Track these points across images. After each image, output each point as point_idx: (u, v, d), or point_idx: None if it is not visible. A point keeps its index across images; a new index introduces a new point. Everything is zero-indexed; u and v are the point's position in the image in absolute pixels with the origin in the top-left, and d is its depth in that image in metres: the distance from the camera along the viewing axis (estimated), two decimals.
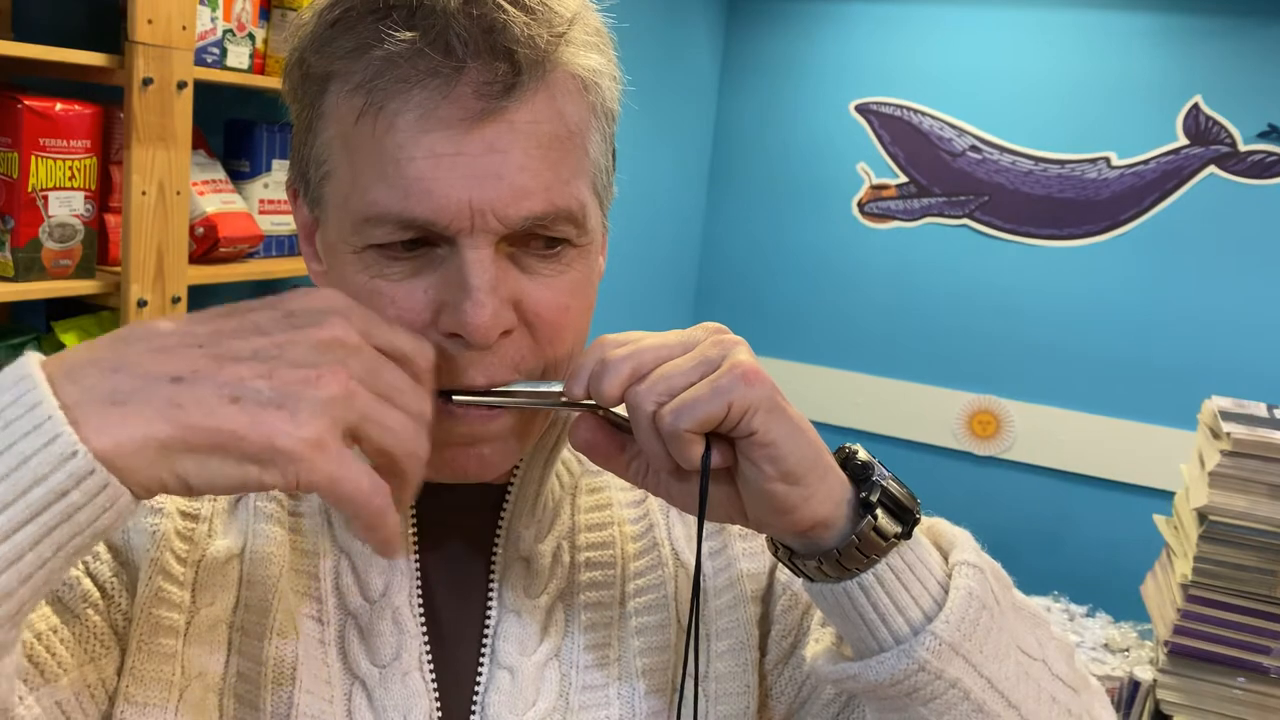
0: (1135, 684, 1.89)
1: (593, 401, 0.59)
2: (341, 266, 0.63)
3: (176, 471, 0.47)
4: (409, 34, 0.57)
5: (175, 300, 1.64)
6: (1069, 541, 3.41)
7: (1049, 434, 3.42)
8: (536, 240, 0.62)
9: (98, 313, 1.66)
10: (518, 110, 0.59)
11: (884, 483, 0.62)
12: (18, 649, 0.50)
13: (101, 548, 0.65)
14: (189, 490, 0.47)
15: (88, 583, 0.64)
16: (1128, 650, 2.05)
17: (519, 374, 0.63)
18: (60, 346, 1.60)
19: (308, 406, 0.47)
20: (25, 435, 0.45)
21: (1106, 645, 2.08)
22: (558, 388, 0.61)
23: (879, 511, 0.61)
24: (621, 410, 0.59)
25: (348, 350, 0.50)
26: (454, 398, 0.62)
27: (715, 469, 0.59)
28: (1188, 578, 1.69)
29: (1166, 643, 1.72)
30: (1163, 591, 1.84)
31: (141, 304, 1.58)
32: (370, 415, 0.50)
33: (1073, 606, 2.31)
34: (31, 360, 0.47)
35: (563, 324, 0.64)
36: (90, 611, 0.63)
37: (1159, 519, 1.95)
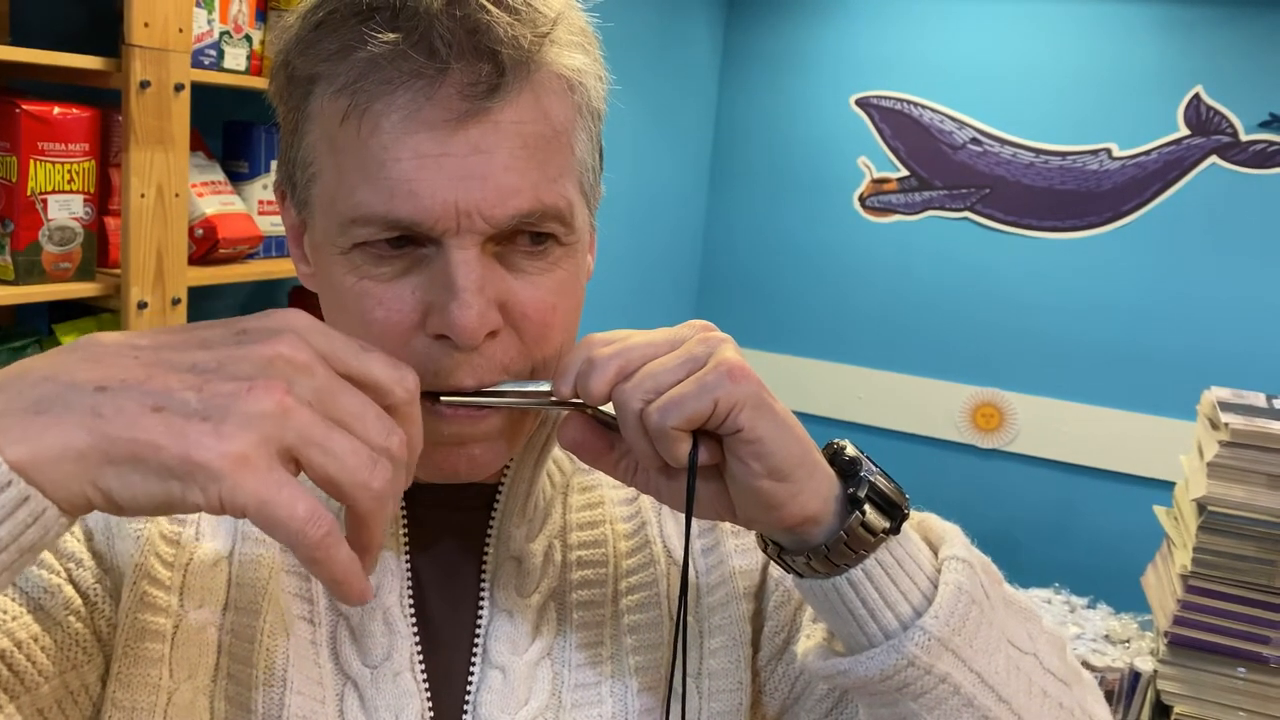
0: (1136, 675, 1.89)
1: (580, 400, 0.59)
2: (329, 268, 0.63)
3: (99, 485, 0.44)
4: (392, 35, 0.57)
5: (175, 301, 1.64)
6: (1071, 533, 3.41)
7: (1052, 426, 3.42)
8: (523, 238, 0.62)
9: (99, 315, 1.67)
10: (502, 110, 0.59)
11: (872, 478, 0.62)
12: None
13: (85, 554, 0.65)
14: (116, 507, 0.45)
15: (69, 590, 0.64)
16: (1128, 641, 2.05)
17: (507, 374, 0.63)
18: None
19: (234, 419, 0.44)
20: None
21: (1107, 636, 2.08)
22: (546, 387, 0.61)
23: (867, 507, 0.61)
24: (609, 409, 0.60)
25: (294, 368, 0.47)
26: (442, 398, 0.62)
27: (703, 466, 0.59)
28: (1187, 568, 1.69)
29: (1167, 633, 1.72)
30: (1163, 582, 1.84)
31: (142, 306, 1.59)
32: (310, 437, 0.45)
33: (1074, 598, 2.31)
34: None
35: (550, 323, 0.64)
36: (72, 619, 0.63)
37: (1159, 510, 1.95)
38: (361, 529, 0.48)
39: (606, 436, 0.63)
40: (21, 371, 0.46)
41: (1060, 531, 3.42)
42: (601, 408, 0.60)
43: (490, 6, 0.59)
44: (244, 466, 0.43)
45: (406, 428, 0.51)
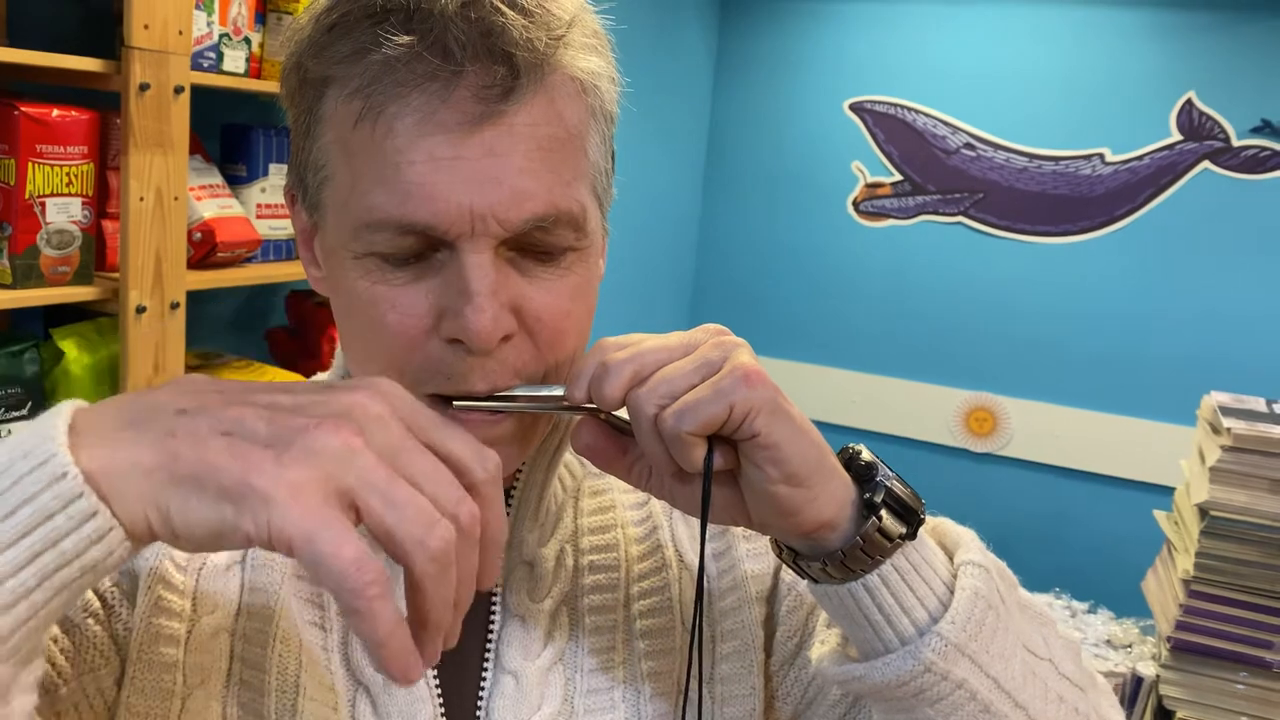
0: (1138, 680, 1.89)
1: (594, 405, 0.59)
2: (342, 272, 0.62)
3: (159, 505, 0.44)
4: (407, 38, 0.57)
5: (174, 306, 1.63)
6: (1069, 538, 3.41)
7: (1046, 431, 3.42)
8: (536, 245, 0.62)
9: (96, 319, 1.66)
10: (517, 113, 0.59)
11: (888, 483, 0.61)
12: (27, 693, 0.46)
13: None
14: (173, 534, 0.44)
15: (89, 593, 0.63)
16: (1130, 646, 2.05)
17: (520, 379, 0.62)
18: (59, 353, 1.59)
19: (297, 450, 0.43)
20: (23, 456, 0.44)
21: (1109, 641, 2.08)
22: (559, 391, 0.61)
23: (883, 512, 0.60)
24: (623, 413, 0.59)
25: (370, 418, 0.46)
26: (455, 403, 0.61)
27: (718, 471, 0.59)
28: (1189, 573, 1.69)
29: (1169, 639, 1.72)
30: (1164, 587, 1.84)
31: (140, 310, 1.58)
32: (372, 482, 0.44)
33: (1074, 603, 2.31)
34: (76, 401, 0.47)
35: (564, 328, 0.63)
36: (91, 621, 0.63)
37: (1160, 515, 1.95)
38: (418, 596, 0.45)
39: (620, 441, 0.63)
40: (135, 396, 0.48)
41: (1057, 536, 3.43)
42: (615, 413, 0.60)
43: (505, 9, 0.58)
44: (295, 495, 0.42)
45: (485, 510, 0.47)
